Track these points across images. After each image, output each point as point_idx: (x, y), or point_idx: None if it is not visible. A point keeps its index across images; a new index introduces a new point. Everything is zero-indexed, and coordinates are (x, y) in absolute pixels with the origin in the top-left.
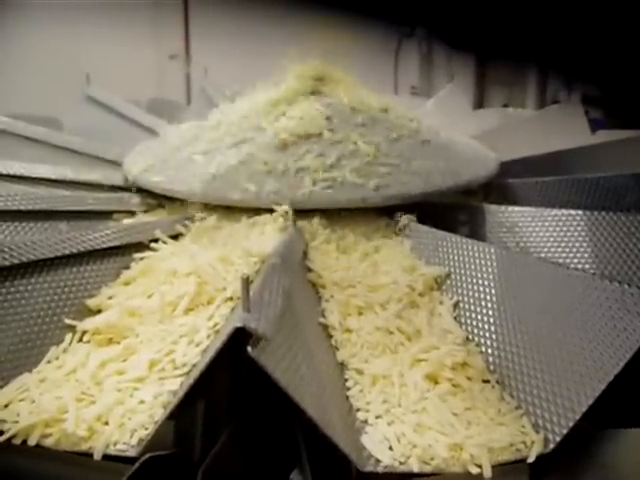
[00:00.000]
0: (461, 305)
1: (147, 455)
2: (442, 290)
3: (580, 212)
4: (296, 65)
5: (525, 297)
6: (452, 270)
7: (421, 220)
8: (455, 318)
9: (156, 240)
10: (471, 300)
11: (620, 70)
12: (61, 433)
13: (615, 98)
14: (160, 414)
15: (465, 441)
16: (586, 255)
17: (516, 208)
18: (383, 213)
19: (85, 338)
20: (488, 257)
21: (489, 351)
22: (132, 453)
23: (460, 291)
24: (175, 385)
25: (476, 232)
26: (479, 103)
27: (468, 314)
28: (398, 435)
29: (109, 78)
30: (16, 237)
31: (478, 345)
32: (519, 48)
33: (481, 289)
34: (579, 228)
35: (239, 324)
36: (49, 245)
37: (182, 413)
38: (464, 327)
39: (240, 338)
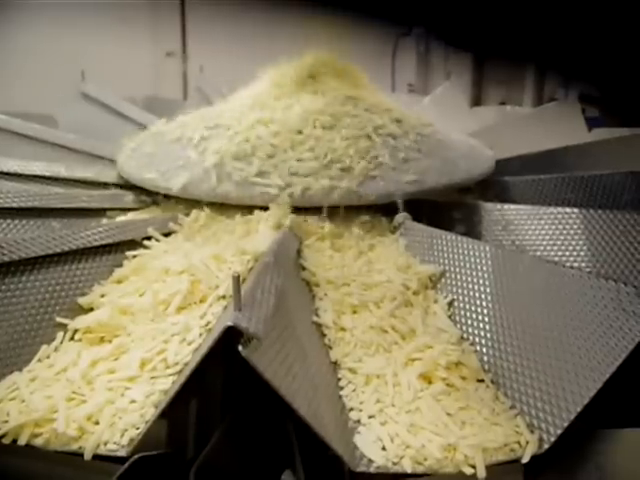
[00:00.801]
0: (456, 304)
1: (137, 455)
2: (437, 288)
3: (576, 210)
4: (292, 59)
5: (520, 296)
6: (447, 268)
7: (416, 218)
8: (450, 317)
9: (149, 238)
10: (466, 299)
11: (617, 69)
12: (51, 433)
13: (612, 96)
14: (151, 413)
15: (459, 441)
16: (582, 253)
17: (512, 206)
18: (378, 211)
19: (77, 336)
20: (483, 255)
21: (484, 350)
22: (122, 453)
23: (455, 289)
24: (167, 384)
25: (472, 230)
26: (477, 101)
27: (463, 313)
28: (391, 435)
29: (107, 76)
30: (8, 235)
31: (473, 344)
32: (516, 47)
33: (476, 287)
34: (575, 226)
35: (230, 323)
36: (40, 243)
37: (174, 412)
38: (459, 326)
39: (233, 337)
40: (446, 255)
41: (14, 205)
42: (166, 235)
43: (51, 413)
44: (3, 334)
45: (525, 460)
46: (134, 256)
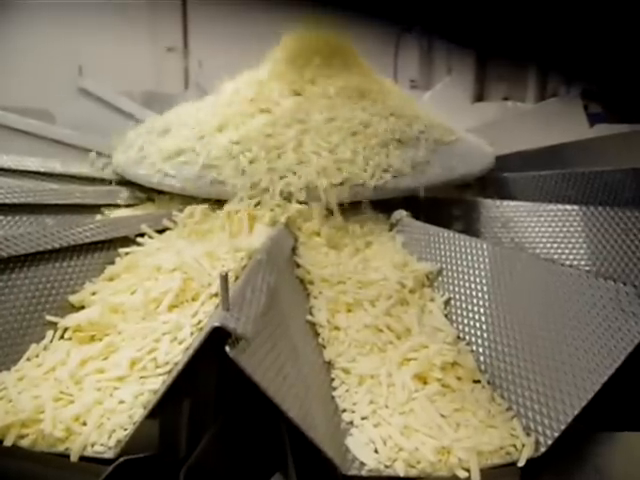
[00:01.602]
0: (452, 302)
1: (122, 458)
2: (433, 287)
3: (576, 207)
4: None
5: (518, 295)
6: (444, 266)
7: (415, 215)
8: (446, 316)
9: (142, 235)
10: (463, 297)
11: (619, 65)
12: (38, 434)
13: (614, 92)
14: (140, 414)
15: (453, 444)
16: (582, 251)
17: (511, 203)
18: (376, 207)
19: (67, 335)
20: (481, 253)
21: (480, 350)
22: (109, 455)
23: (452, 288)
24: (156, 384)
25: (470, 227)
26: (479, 97)
27: (459, 312)
28: (384, 437)
29: (107, 71)
30: (0, 231)
31: (469, 344)
32: (519, 45)
33: (473, 286)
34: (575, 223)
35: (217, 323)
36: (31, 240)
37: (165, 412)
38: (455, 325)
39: (223, 337)
40: (443, 253)
41: (7, 201)
42: (160, 232)
43: (38, 413)
44: None
45: (521, 464)
46: (127, 253)
